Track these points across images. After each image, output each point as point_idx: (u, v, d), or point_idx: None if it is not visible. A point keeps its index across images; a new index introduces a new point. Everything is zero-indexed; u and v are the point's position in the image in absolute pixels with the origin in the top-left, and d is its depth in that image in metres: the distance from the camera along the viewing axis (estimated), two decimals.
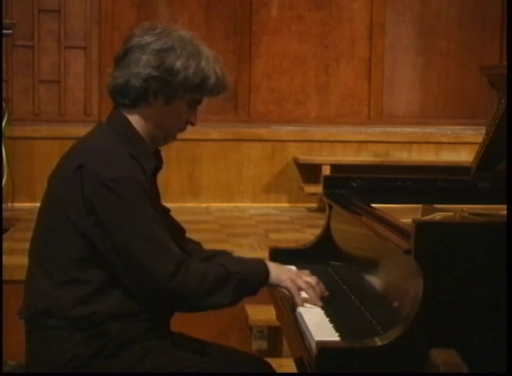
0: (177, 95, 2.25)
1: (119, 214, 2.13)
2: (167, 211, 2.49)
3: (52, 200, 2.24)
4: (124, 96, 2.27)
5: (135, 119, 2.28)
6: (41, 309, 2.20)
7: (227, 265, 2.24)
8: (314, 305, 2.30)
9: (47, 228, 2.24)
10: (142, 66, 2.22)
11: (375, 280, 2.31)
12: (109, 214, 2.13)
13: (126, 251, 2.13)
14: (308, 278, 2.36)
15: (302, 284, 2.32)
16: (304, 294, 2.32)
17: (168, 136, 2.34)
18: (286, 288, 2.33)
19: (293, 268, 2.57)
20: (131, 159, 2.19)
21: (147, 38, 2.25)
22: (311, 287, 2.33)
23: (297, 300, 2.30)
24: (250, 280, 2.26)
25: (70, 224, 2.16)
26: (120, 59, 2.28)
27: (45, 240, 2.24)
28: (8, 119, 5.98)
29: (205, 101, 2.35)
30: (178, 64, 2.23)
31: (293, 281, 2.32)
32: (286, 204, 6.64)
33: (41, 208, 2.29)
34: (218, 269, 2.22)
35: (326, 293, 2.37)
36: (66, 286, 2.17)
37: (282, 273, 2.33)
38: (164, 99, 2.26)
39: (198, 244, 2.62)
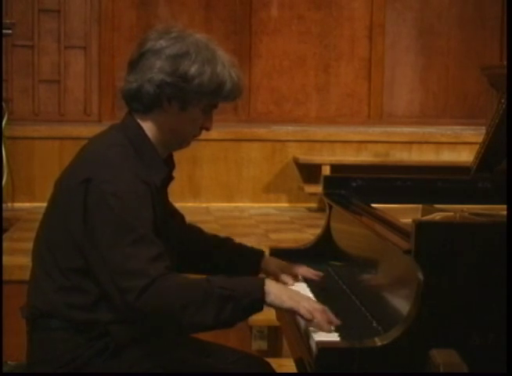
0: (192, 101, 2.21)
1: (107, 227, 2.07)
2: (174, 213, 2.50)
3: (55, 208, 2.22)
4: (138, 102, 2.23)
5: (148, 125, 2.24)
6: (42, 311, 2.20)
7: (214, 281, 2.09)
8: (322, 328, 2.06)
9: (49, 234, 2.22)
10: (156, 71, 2.18)
11: (375, 280, 2.31)
12: (98, 225, 2.08)
13: (103, 264, 2.07)
14: (314, 304, 2.13)
15: (307, 306, 2.10)
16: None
17: (183, 142, 2.30)
18: (291, 309, 2.12)
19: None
20: (136, 175, 2.14)
21: (162, 43, 2.21)
22: (318, 311, 2.09)
23: (306, 317, 2.08)
24: (240, 299, 2.06)
25: (70, 236, 2.14)
26: (135, 64, 2.24)
27: (47, 244, 2.22)
28: (8, 119, 5.97)
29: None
30: (193, 70, 2.18)
31: (296, 301, 2.11)
32: (286, 204, 6.64)
33: (46, 211, 2.27)
34: (200, 286, 2.07)
35: (338, 322, 2.09)
36: (67, 292, 2.16)
37: (283, 294, 2.12)
38: (178, 105, 2.21)
39: (199, 230, 2.61)
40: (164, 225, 2.25)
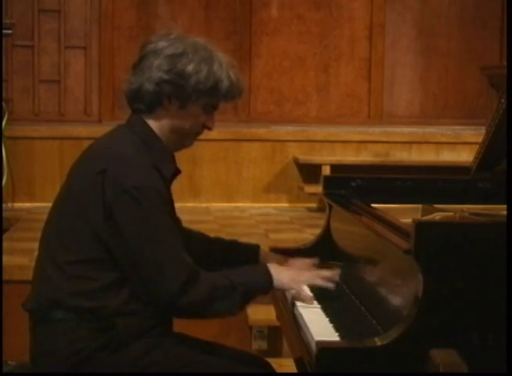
0: (190, 99, 2.27)
1: (137, 221, 2.15)
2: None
3: (69, 201, 2.26)
4: (140, 101, 2.29)
5: (152, 124, 2.31)
6: (48, 300, 2.22)
7: (232, 277, 2.26)
8: (328, 286, 2.36)
9: (62, 226, 2.26)
10: (155, 70, 2.25)
11: (375, 280, 2.31)
12: (127, 220, 2.15)
13: (140, 258, 2.16)
14: (309, 272, 2.41)
15: (305, 278, 2.36)
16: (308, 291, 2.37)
17: (186, 140, 2.36)
18: (291, 289, 2.36)
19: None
20: (153, 169, 2.22)
21: (161, 44, 2.28)
22: (316, 275, 2.37)
23: (305, 299, 2.33)
24: (254, 290, 2.30)
25: (88, 226, 2.18)
26: (136, 66, 2.31)
27: (58, 237, 2.25)
28: (8, 119, 5.97)
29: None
30: (190, 68, 2.25)
31: (295, 281, 2.35)
32: (286, 204, 6.64)
33: (56, 205, 2.31)
34: (224, 281, 2.24)
35: (337, 272, 2.42)
36: (76, 280, 2.20)
37: (283, 276, 2.35)
38: (178, 103, 2.27)
39: (197, 231, 2.68)
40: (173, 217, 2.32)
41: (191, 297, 2.17)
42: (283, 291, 2.46)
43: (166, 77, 2.24)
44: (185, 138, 2.35)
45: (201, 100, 2.28)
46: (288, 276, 2.35)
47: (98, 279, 2.19)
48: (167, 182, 2.30)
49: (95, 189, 2.17)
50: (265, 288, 2.34)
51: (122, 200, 2.15)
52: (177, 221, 2.49)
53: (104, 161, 2.21)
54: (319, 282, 2.36)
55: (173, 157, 2.39)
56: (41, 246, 2.32)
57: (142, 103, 2.29)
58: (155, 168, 2.23)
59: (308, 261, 2.60)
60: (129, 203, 2.15)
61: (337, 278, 2.41)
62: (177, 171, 2.39)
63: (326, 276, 2.38)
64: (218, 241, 2.70)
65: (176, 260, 2.17)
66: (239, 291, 2.23)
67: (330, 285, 2.36)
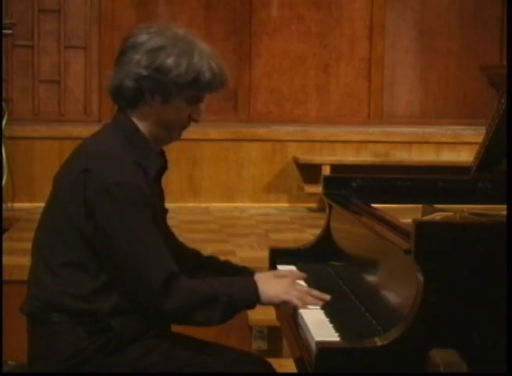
0: (172, 93, 2.24)
1: (115, 218, 2.13)
2: (166, 212, 2.51)
3: (55, 202, 2.25)
4: (122, 98, 2.28)
5: (137, 120, 2.28)
6: (43, 303, 2.21)
7: (215, 286, 2.20)
8: (315, 305, 2.26)
9: (50, 229, 2.25)
10: (133, 66, 2.22)
11: (375, 280, 2.31)
12: (107, 217, 2.13)
13: (120, 256, 2.14)
14: (300, 288, 2.32)
15: (295, 293, 2.28)
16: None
17: (172, 133, 2.31)
18: (283, 303, 2.29)
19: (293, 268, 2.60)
20: (134, 166, 2.20)
21: (140, 38, 2.25)
22: (306, 292, 2.30)
23: (298, 306, 2.26)
24: (237, 303, 2.23)
25: (72, 227, 2.17)
26: (117, 61, 2.29)
27: (48, 240, 2.25)
28: (8, 119, 5.97)
29: (206, 99, 2.33)
30: (169, 62, 2.21)
31: (286, 294, 2.27)
32: (286, 204, 6.63)
33: (46, 208, 2.30)
34: (206, 288, 2.18)
35: (327, 297, 2.31)
36: (69, 283, 2.19)
37: (269, 290, 2.27)
38: (160, 97, 2.24)
39: (191, 249, 2.63)
40: (159, 216, 2.30)
41: (171, 300, 2.13)
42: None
43: (145, 72, 2.21)
44: (171, 131, 2.31)
45: (183, 93, 2.25)
46: (276, 290, 2.27)
47: (88, 282, 2.17)
48: (153, 180, 2.26)
49: (78, 189, 2.16)
50: (250, 303, 2.26)
51: (101, 196, 2.13)
52: (167, 228, 2.46)
53: (87, 161, 2.20)
54: (309, 299, 2.27)
55: (162, 153, 2.37)
56: (33, 248, 2.31)
57: (125, 99, 2.27)
58: (139, 165, 2.20)
59: (296, 273, 2.51)
60: (108, 199, 2.12)
61: (326, 299, 2.29)
62: (164, 167, 2.35)
63: (316, 295, 2.29)
64: (212, 260, 2.62)
65: (154, 261, 2.13)
66: (220, 301, 2.17)
67: (320, 303, 2.27)
